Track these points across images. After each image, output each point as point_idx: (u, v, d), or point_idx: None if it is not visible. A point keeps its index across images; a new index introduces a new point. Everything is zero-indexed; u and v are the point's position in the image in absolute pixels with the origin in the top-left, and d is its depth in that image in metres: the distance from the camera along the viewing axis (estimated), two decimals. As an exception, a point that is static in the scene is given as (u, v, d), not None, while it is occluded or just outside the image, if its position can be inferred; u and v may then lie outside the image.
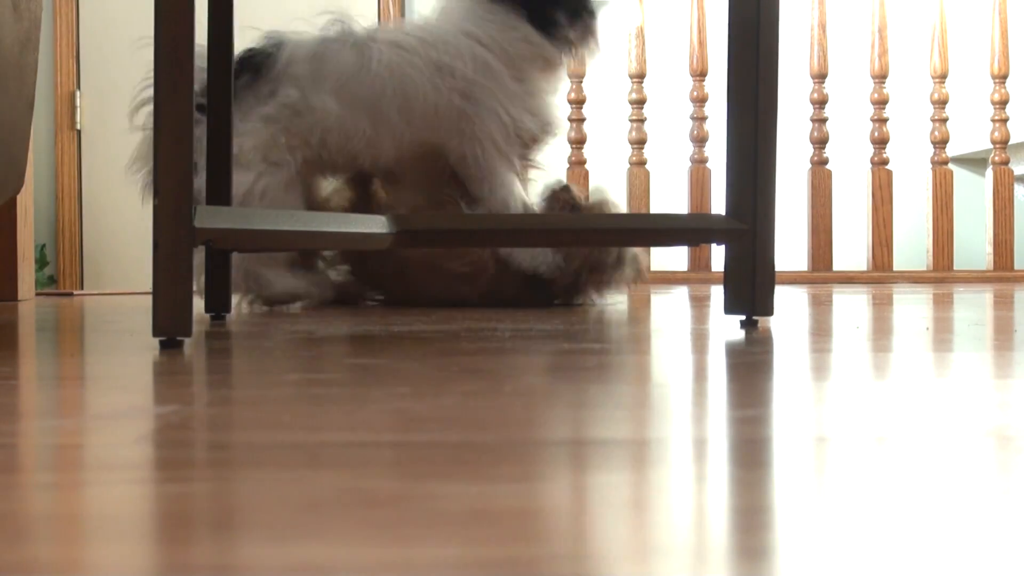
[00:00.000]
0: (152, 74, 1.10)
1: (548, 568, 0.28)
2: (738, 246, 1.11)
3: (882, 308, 1.53)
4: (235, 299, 1.66)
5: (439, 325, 1.20)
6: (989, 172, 2.96)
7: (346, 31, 1.67)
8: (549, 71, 1.69)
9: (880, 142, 2.91)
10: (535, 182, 1.78)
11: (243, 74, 1.64)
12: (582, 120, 2.84)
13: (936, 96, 2.91)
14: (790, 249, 3.42)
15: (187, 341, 0.98)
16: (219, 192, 1.38)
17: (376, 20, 3.59)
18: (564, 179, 1.93)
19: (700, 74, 2.86)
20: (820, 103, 2.90)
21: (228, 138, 1.38)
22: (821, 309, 1.53)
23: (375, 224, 1.13)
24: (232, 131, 1.39)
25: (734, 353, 0.85)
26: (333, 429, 0.50)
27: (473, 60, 1.63)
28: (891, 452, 0.43)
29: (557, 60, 1.68)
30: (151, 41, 0.95)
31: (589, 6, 1.71)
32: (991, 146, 2.98)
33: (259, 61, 1.66)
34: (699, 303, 1.75)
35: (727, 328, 1.12)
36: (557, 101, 1.74)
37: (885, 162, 2.92)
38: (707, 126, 2.90)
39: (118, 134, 3.55)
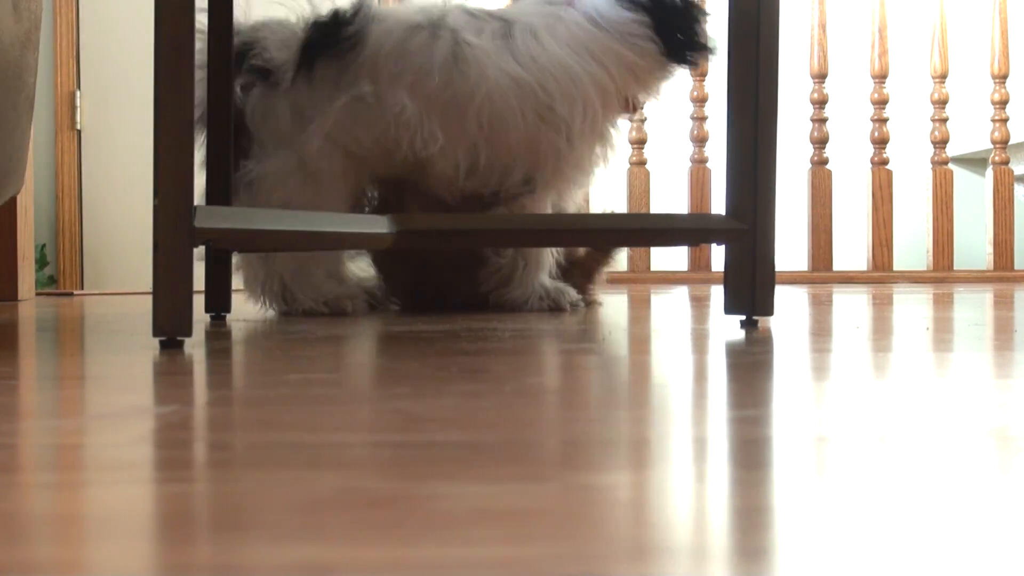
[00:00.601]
0: None
1: (548, 568, 0.28)
2: (738, 246, 1.11)
3: (882, 308, 1.53)
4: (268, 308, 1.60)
5: (439, 325, 1.20)
6: (989, 172, 2.96)
7: (438, 17, 1.48)
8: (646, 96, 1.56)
9: (880, 142, 2.91)
10: None
11: (324, 46, 1.46)
12: (582, 120, 2.84)
13: (936, 96, 2.91)
14: (790, 249, 3.42)
15: (187, 341, 0.98)
16: (219, 192, 1.38)
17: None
18: None
19: (700, 74, 2.86)
20: (820, 103, 2.90)
21: (228, 137, 1.38)
22: (821, 309, 1.53)
23: (376, 224, 1.13)
24: (232, 130, 1.39)
25: (734, 353, 0.85)
26: (333, 429, 0.50)
27: (582, 105, 1.47)
28: (891, 452, 0.43)
29: (656, 89, 1.54)
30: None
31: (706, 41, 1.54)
32: (991, 146, 2.98)
33: (342, 38, 1.46)
34: (699, 303, 1.75)
35: (727, 328, 1.12)
36: None
37: (885, 162, 2.92)
38: (707, 126, 2.90)
39: (118, 134, 3.55)
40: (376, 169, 1.53)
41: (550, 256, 1.55)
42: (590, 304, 1.63)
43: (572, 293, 1.54)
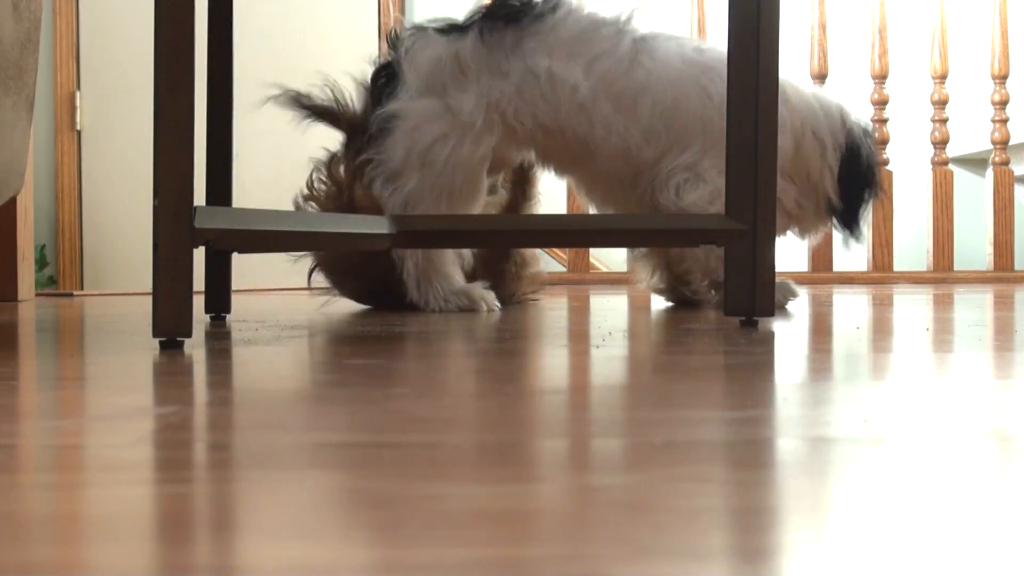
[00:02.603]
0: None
1: (548, 568, 0.28)
2: (738, 246, 1.11)
3: (882, 309, 1.53)
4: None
5: (439, 325, 1.20)
6: (989, 172, 2.95)
7: (624, 20, 1.57)
8: None
9: (880, 142, 2.91)
10: None
11: (516, 15, 1.53)
12: (582, 120, 2.84)
13: (936, 96, 2.91)
14: (790, 249, 3.41)
15: (187, 342, 0.98)
16: (219, 192, 1.37)
17: (381, 19, 3.59)
18: None
19: (700, 74, 2.86)
20: (820, 103, 2.90)
21: (228, 137, 1.38)
22: (821, 309, 1.53)
23: (376, 224, 1.13)
24: (232, 131, 1.39)
25: (734, 353, 0.85)
26: (333, 429, 0.50)
27: (720, 82, 1.52)
28: (891, 452, 0.43)
29: None
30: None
31: None
32: (991, 147, 2.98)
33: (527, 10, 1.54)
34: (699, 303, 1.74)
35: (727, 328, 1.12)
36: None
37: (885, 162, 2.92)
38: (707, 126, 2.89)
39: (118, 134, 3.55)
40: (532, 147, 1.57)
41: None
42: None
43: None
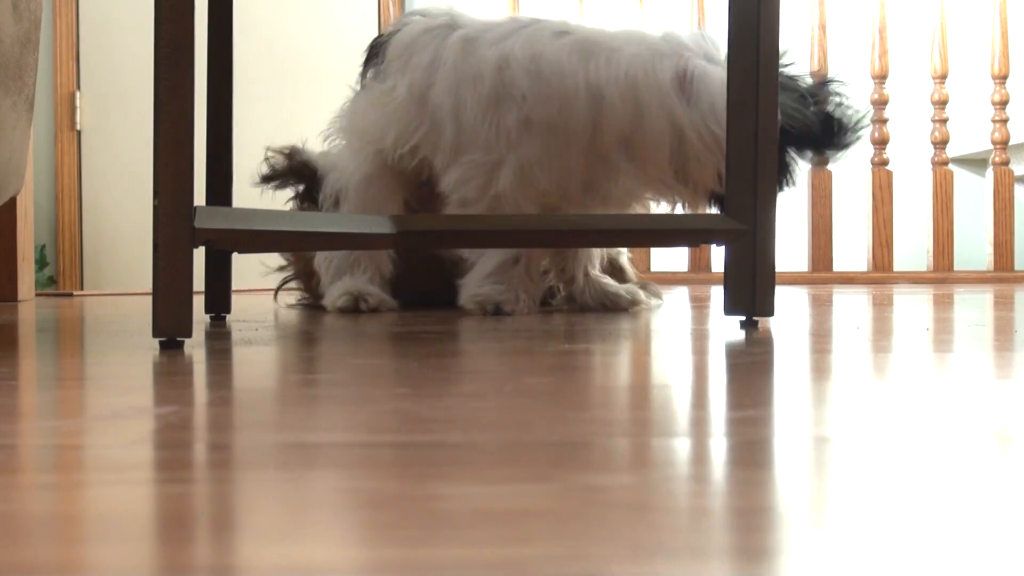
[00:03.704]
0: None
1: (548, 568, 0.28)
2: (738, 246, 1.11)
3: (882, 309, 1.53)
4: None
5: (439, 325, 1.20)
6: (989, 173, 2.95)
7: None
8: None
9: (880, 142, 2.91)
10: None
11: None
12: (582, 120, 2.84)
13: (936, 96, 2.91)
14: (790, 249, 3.42)
15: (187, 342, 0.98)
16: (219, 192, 1.37)
17: (381, 18, 3.59)
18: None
19: (700, 74, 2.86)
20: (820, 103, 2.90)
21: (228, 138, 1.38)
22: (821, 310, 1.53)
23: (375, 224, 1.13)
24: (232, 131, 1.39)
25: (734, 353, 0.85)
26: (333, 429, 0.50)
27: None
28: (892, 452, 0.43)
29: None
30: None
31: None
32: (991, 147, 2.98)
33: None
34: (699, 303, 1.75)
35: (727, 328, 1.12)
36: None
37: (885, 163, 2.92)
38: (707, 126, 2.89)
39: (118, 134, 3.55)
40: None
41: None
42: None
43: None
